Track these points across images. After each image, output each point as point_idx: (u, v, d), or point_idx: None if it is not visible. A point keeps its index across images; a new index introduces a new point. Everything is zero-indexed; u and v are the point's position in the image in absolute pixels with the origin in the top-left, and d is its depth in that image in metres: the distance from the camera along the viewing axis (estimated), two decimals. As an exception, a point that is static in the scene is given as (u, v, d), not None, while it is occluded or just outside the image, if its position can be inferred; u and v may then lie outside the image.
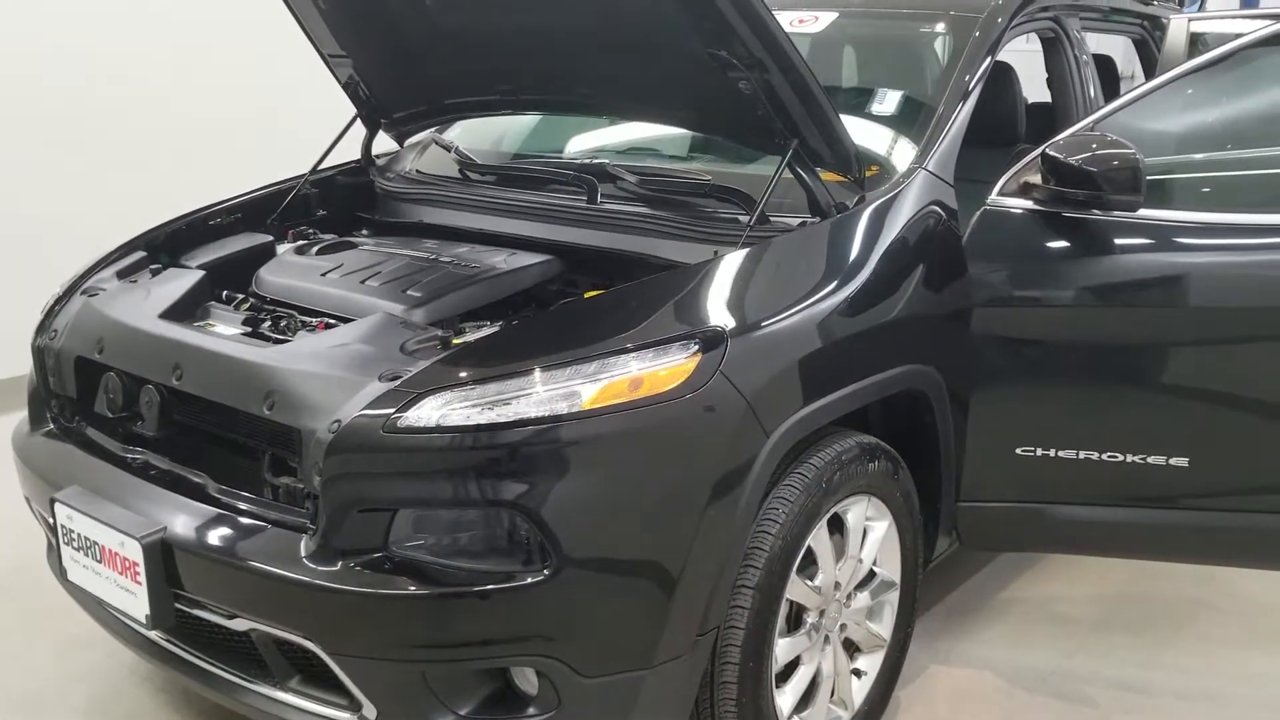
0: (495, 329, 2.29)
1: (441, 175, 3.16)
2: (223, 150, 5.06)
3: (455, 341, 2.17)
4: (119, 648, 2.57)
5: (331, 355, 2.11)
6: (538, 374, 1.96)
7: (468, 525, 1.93)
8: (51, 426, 2.53)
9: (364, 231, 3.07)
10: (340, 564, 1.91)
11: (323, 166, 3.20)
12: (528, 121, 3.42)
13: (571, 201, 2.77)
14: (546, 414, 1.91)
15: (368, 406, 1.93)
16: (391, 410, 1.91)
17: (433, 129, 3.32)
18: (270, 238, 2.88)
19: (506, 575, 1.89)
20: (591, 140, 3.24)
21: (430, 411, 1.91)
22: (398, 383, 1.97)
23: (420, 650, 1.91)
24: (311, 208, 3.15)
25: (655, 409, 1.97)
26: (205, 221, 2.96)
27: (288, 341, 2.24)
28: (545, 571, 1.88)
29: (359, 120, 3.19)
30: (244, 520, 2.07)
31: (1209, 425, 2.63)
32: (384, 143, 3.29)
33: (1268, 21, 2.74)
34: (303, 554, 1.94)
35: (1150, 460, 2.60)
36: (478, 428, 1.90)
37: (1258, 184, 2.87)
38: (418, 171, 3.23)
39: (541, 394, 1.93)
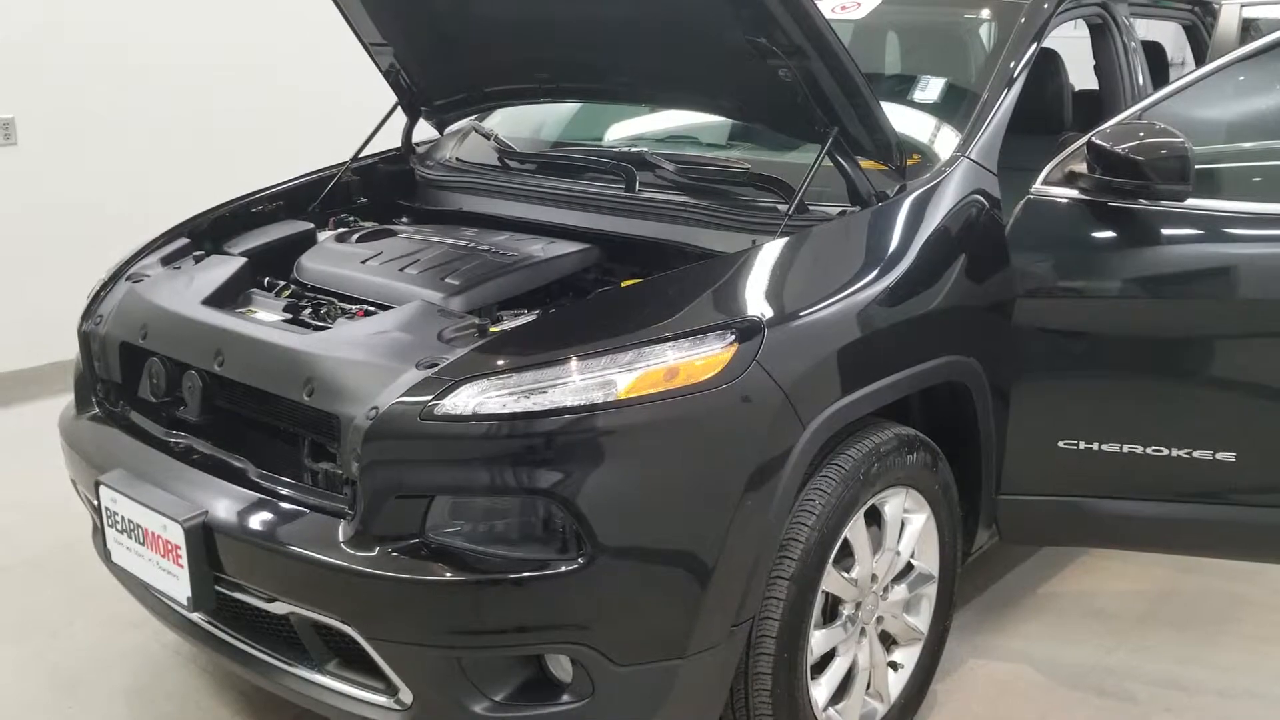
0: (532, 317, 2.30)
1: (481, 163, 3.17)
2: (265, 139, 5.13)
3: (492, 330, 2.18)
4: (162, 629, 2.61)
5: (370, 343, 2.12)
6: (574, 363, 1.96)
7: (504, 513, 1.94)
8: (97, 410, 2.57)
9: (404, 219, 3.09)
10: (378, 550, 1.92)
11: (364, 155, 3.22)
12: (567, 110, 3.41)
13: (610, 190, 2.76)
14: (582, 403, 1.91)
15: (405, 394, 1.94)
16: (429, 398, 1.92)
17: (472, 117, 3.33)
18: (311, 225, 2.90)
19: (542, 563, 1.89)
20: (630, 128, 3.23)
21: (467, 399, 1.91)
22: (435, 370, 1.98)
23: (456, 636, 1.92)
24: (352, 195, 3.18)
25: (691, 399, 1.96)
26: (248, 209, 2.99)
27: (327, 329, 2.26)
28: (580, 560, 1.89)
29: (399, 108, 3.21)
30: (284, 505, 2.09)
31: (1257, 420, 2.58)
32: (425, 131, 3.30)
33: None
34: (341, 539, 1.95)
35: (1196, 455, 2.55)
36: (514, 416, 1.90)
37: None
38: (457, 159, 3.24)
39: (577, 383, 1.93)
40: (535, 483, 1.89)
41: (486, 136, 3.24)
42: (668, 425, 1.95)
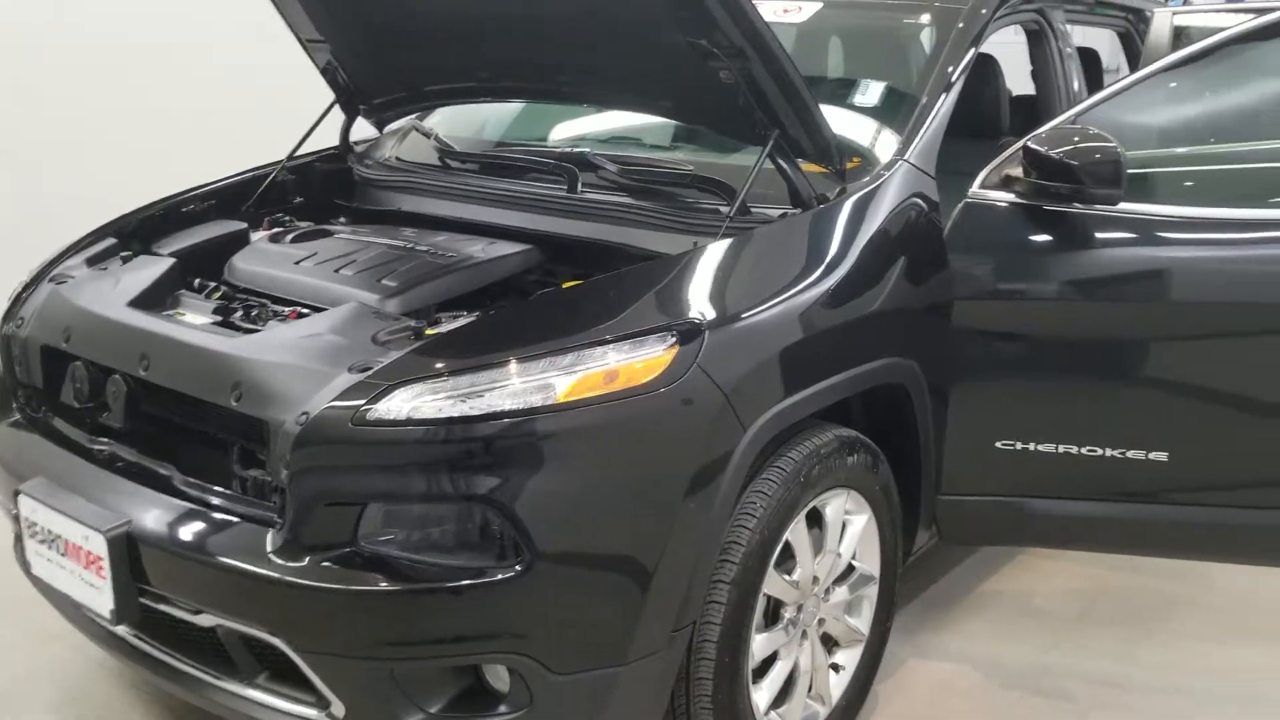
0: (471, 320, 2.26)
1: (421, 163, 3.12)
2: (197, 136, 4.93)
3: (428, 332, 2.14)
4: (87, 642, 2.52)
5: (301, 346, 2.07)
6: (512, 366, 1.93)
7: (439, 520, 1.90)
8: (18, 417, 2.48)
9: (341, 219, 3.03)
10: (307, 559, 1.87)
11: (300, 153, 3.16)
12: (511, 109, 3.37)
13: (552, 190, 2.73)
14: (520, 407, 1.88)
15: (337, 398, 1.90)
16: (361, 402, 1.88)
17: (413, 116, 3.28)
18: (245, 225, 2.84)
19: (478, 571, 1.86)
20: (574, 129, 3.21)
21: (401, 404, 1.87)
22: (368, 374, 1.93)
23: (389, 648, 1.88)
24: (288, 195, 3.11)
25: (631, 402, 1.94)
26: (179, 208, 2.91)
27: (257, 331, 2.20)
28: (517, 567, 1.85)
29: (337, 106, 3.14)
30: (211, 514, 2.03)
31: (1188, 420, 2.62)
32: (365, 130, 3.24)
33: (1251, 15, 2.73)
34: (269, 549, 1.90)
35: (1130, 455, 2.58)
36: (450, 420, 1.86)
37: (1240, 179, 2.86)
38: (397, 159, 3.19)
39: (515, 386, 1.90)
40: (471, 489, 1.85)
41: (427, 135, 3.19)
42: (607, 429, 1.93)
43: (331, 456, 1.88)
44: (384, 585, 1.84)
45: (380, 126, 3.27)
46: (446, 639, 1.88)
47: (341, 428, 1.87)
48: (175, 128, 4.85)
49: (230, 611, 1.96)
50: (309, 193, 3.12)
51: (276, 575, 1.87)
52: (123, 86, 4.78)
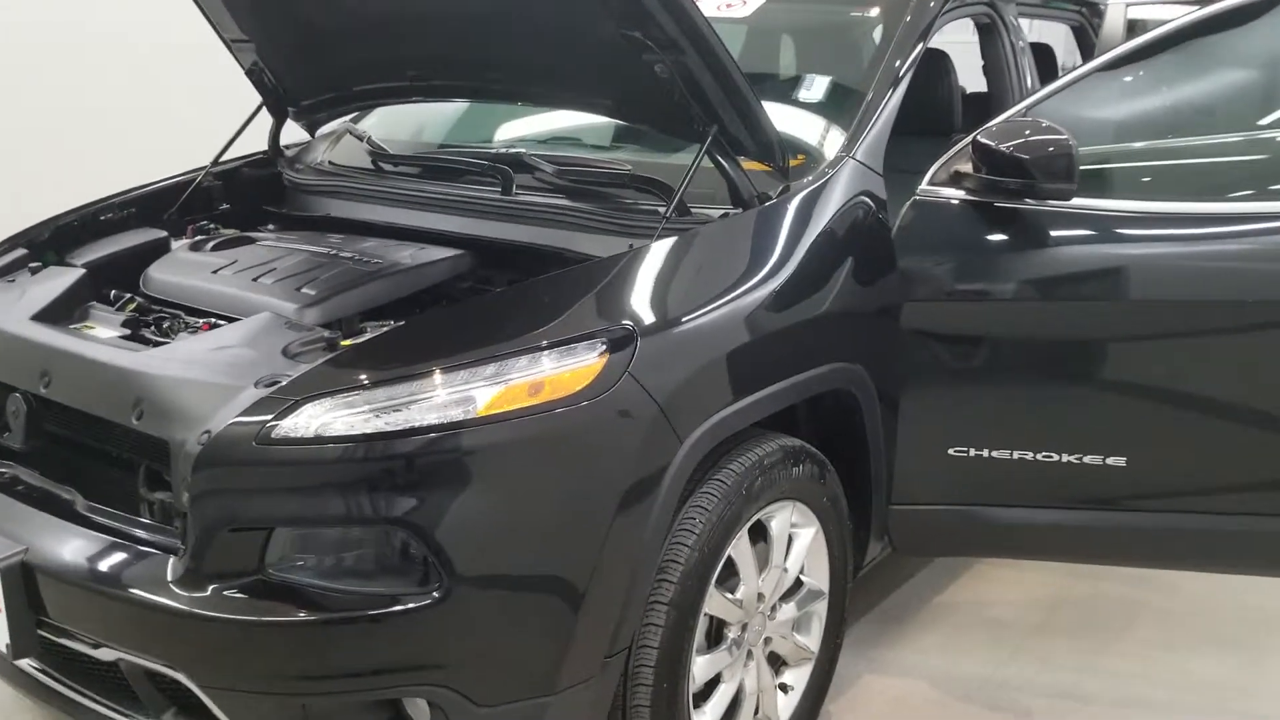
0: (386, 329, 2.14)
1: (354, 166, 3.00)
2: (118, 142, 4.67)
3: (344, 343, 2.01)
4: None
5: (207, 360, 1.95)
6: (429, 378, 1.81)
7: (352, 545, 1.79)
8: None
9: (270, 226, 2.90)
10: (210, 589, 1.75)
11: (228, 158, 3.03)
12: (449, 111, 3.26)
13: (486, 193, 2.62)
14: (438, 421, 1.77)
15: (240, 415, 1.78)
16: (266, 419, 1.76)
17: (347, 118, 3.16)
18: (165, 233, 2.70)
19: (392, 599, 1.74)
20: (514, 130, 3.10)
21: (309, 420, 1.75)
22: (275, 389, 1.81)
23: (298, 682, 1.76)
24: (214, 201, 2.98)
25: (558, 415, 1.83)
26: (96, 216, 2.77)
27: (163, 345, 2.07)
28: (435, 594, 1.74)
29: (265, 109, 3.02)
30: (112, 541, 1.90)
31: (1146, 423, 2.54)
32: (298, 134, 3.12)
33: (1204, 3, 2.66)
34: (170, 578, 1.78)
35: (1086, 460, 2.50)
36: (363, 438, 1.75)
37: (1197, 172, 2.79)
38: (329, 163, 3.06)
39: (433, 400, 1.79)
40: (384, 511, 1.74)
41: (360, 138, 3.07)
42: (532, 444, 1.82)
43: (234, 478, 1.76)
44: (292, 616, 1.72)
45: (312, 129, 3.15)
46: (360, 672, 1.77)
47: (244, 447, 1.75)
48: (107, 128, 4.62)
49: (130, 645, 1.84)
50: (236, 199, 2.99)
51: (177, 606, 1.75)
52: (51, 85, 4.57)
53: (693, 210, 2.34)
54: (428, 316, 2.24)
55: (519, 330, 1.92)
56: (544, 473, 1.83)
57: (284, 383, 1.82)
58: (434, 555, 1.74)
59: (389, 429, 1.75)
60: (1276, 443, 2.51)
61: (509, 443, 1.80)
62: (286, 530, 1.77)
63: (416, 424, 1.76)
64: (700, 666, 2.12)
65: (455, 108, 3.23)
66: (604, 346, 1.90)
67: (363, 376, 1.82)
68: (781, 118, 2.50)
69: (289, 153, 3.13)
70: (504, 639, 1.82)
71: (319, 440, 1.74)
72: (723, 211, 2.34)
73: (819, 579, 2.41)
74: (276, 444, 1.74)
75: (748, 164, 2.39)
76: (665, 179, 2.41)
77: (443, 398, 1.79)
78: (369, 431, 1.75)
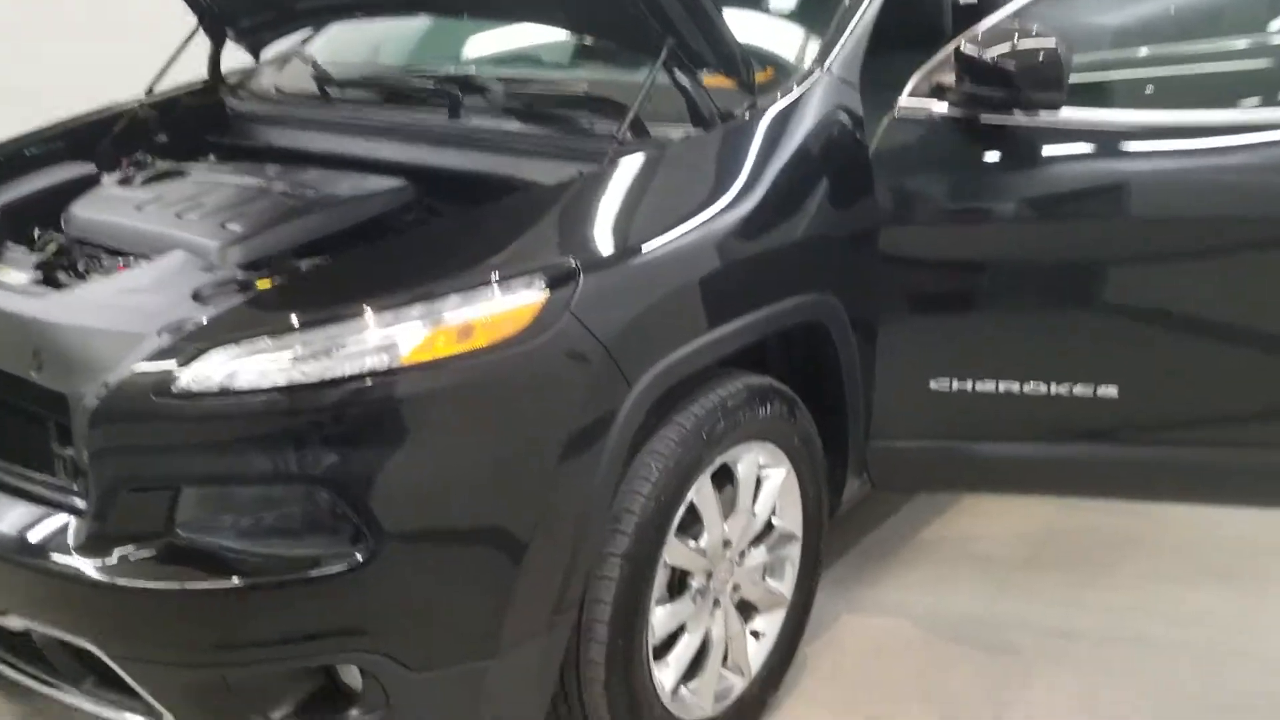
0: (305, 268, 1.98)
1: (300, 93, 2.81)
2: (44, 64, 4.45)
3: (260, 284, 1.86)
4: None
5: (111, 304, 1.80)
6: (350, 322, 1.66)
7: (269, 504, 1.65)
8: None
9: (210, 157, 2.72)
10: (115, 553, 1.63)
11: (166, 86, 2.84)
12: (406, 32, 3.04)
13: (433, 118, 2.44)
14: (358, 370, 1.62)
15: (140, 365, 1.63)
16: (168, 368, 1.61)
17: (298, 41, 2.96)
18: (95, 168, 2.53)
19: (313, 561, 1.62)
20: (472, 49, 2.90)
21: (214, 369, 1.61)
22: (179, 336, 1.66)
23: (217, 652, 1.65)
24: (151, 133, 2.79)
25: (492, 359, 1.69)
26: (20, 152, 2.59)
27: (67, 289, 1.92)
28: (359, 555, 1.61)
29: (201, 30, 2.82)
30: (19, 502, 1.77)
31: (1140, 350, 2.39)
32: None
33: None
34: (73, 542, 1.65)
35: (1076, 390, 2.36)
36: (274, 389, 1.60)
37: (1202, 79, 2.60)
38: (276, 89, 2.87)
39: (353, 346, 1.64)
40: (299, 468, 1.61)
41: (305, 62, 2.87)
42: (464, 391, 1.68)
43: (131, 434, 1.63)
44: (201, 581, 1.60)
45: (255, 52, 2.94)
46: (282, 640, 1.65)
47: (143, 400, 1.61)
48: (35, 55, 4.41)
49: (36, 615, 1.72)
50: (176, 130, 2.80)
51: (79, 571, 1.63)
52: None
53: (651, 132, 2.17)
54: (353, 254, 2.06)
55: (451, 268, 1.77)
56: (478, 422, 1.70)
57: (189, 329, 1.67)
58: (357, 514, 1.61)
59: (302, 379, 1.61)
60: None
61: (438, 391, 1.66)
62: (196, 489, 1.64)
63: (334, 374, 1.62)
64: (660, 619, 2.00)
65: (411, 28, 3.02)
66: (542, 283, 1.75)
67: (275, 321, 1.67)
68: (748, 27, 2.32)
69: (233, 79, 2.94)
70: (439, 600, 1.70)
71: (224, 393, 1.60)
72: (684, 133, 2.16)
73: (791, 522, 2.28)
74: (179, 397, 1.60)
75: (710, 79, 2.21)
76: (621, 98, 2.23)
77: (363, 343, 1.64)
78: (280, 384, 1.60)
